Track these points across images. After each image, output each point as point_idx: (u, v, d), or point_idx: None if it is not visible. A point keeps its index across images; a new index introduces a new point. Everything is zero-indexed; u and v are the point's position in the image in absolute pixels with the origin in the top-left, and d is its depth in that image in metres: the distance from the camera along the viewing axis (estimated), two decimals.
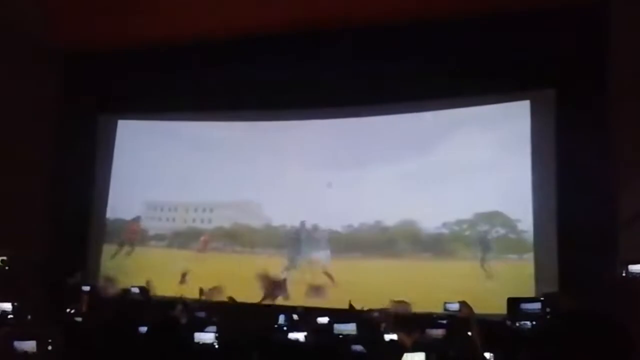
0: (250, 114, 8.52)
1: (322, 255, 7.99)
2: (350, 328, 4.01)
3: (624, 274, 4.12)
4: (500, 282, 6.83)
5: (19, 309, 5.18)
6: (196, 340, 3.83)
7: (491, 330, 4.08)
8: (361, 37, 7.43)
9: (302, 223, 8.14)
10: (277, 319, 4.79)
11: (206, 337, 3.87)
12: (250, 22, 7.57)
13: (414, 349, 3.59)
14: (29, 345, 3.43)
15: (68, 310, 5.60)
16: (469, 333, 4.18)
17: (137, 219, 8.98)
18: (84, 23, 7.84)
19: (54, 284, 6.60)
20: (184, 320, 4.98)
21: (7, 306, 5.12)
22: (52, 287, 6.45)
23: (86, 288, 6.28)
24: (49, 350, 3.53)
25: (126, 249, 8.85)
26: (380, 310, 5.56)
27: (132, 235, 8.93)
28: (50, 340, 3.59)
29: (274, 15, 7.39)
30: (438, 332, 3.92)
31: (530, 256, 6.84)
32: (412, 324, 4.34)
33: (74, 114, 8.71)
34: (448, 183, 7.42)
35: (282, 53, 7.77)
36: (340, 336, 3.96)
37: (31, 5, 7.33)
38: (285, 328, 4.47)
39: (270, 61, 7.82)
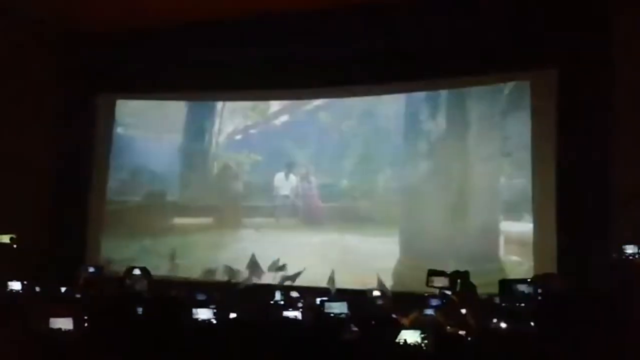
0: (253, 94, 8.49)
1: None
2: (341, 307, 4.05)
3: (619, 255, 4.16)
4: None
5: (29, 287, 5.21)
6: (194, 316, 3.88)
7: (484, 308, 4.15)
8: (354, 16, 7.31)
9: None
10: (274, 296, 4.85)
11: (204, 313, 3.91)
12: (252, 2, 7.47)
13: (411, 327, 3.63)
14: (64, 322, 3.45)
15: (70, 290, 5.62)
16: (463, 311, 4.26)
17: None
18: (82, 1, 7.76)
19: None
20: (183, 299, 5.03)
21: (17, 285, 5.15)
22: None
23: (91, 269, 6.34)
24: (85, 328, 3.57)
25: None
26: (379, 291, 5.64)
27: None
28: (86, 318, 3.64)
29: None
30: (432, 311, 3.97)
31: None
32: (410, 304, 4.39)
33: (72, 93, 8.67)
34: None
35: (283, 33, 7.66)
36: (332, 314, 4.01)
37: None
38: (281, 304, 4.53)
39: (272, 41, 7.73)
